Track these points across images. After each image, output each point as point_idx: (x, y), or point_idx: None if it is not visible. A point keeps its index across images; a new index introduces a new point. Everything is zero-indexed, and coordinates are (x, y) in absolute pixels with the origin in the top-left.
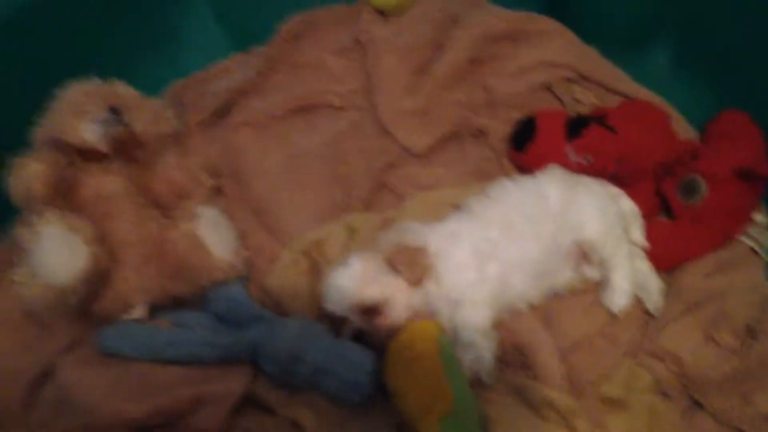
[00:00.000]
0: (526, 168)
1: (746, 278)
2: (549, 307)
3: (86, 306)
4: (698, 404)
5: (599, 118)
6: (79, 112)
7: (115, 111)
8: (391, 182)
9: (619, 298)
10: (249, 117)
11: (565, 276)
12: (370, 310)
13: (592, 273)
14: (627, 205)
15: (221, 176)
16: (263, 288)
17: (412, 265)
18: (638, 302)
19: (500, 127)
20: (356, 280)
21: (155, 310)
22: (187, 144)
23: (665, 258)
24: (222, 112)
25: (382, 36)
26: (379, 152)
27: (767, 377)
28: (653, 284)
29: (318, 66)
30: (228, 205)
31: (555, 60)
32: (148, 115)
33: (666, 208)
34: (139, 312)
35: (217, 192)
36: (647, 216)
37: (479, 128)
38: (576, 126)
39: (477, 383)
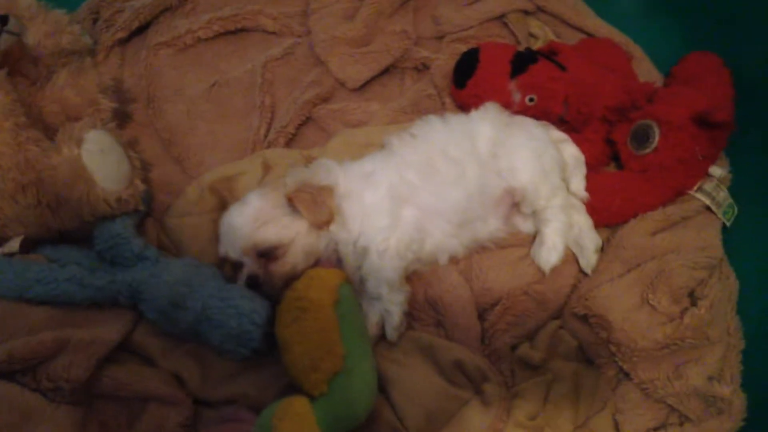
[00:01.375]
0: (465, 107)
1: (696, 238)
2: (472, 260)
3: None
4: (626, 374)
5: (550, 54)
6: None
7: (3, 19)
8: (320, 117)
9: (549, 253)
10: (171, 38)
11: (491, 227)
12: (267, 254)
13: (524, 225)
14: (570, 151)
15: (133, 100)
16: (162, 225)
17: (315, 205)
18: (572, 259)
19: (445, 62)
20: (252, 220)
21: (35, 244)
22: (95, 63)
23: (608, 212)
24: (141, 31)
25: None
26: (310, 84)
27: (702, 348)
28: (590, 240)
29: None
30: (136, 132)
31: None
32: (46, 27)
33: (617, 158)
34: (12, 245)
35: (123, 117)
36: (595, 165)
37: (422, 62)
38: (522, 61)
39: (381, 340)
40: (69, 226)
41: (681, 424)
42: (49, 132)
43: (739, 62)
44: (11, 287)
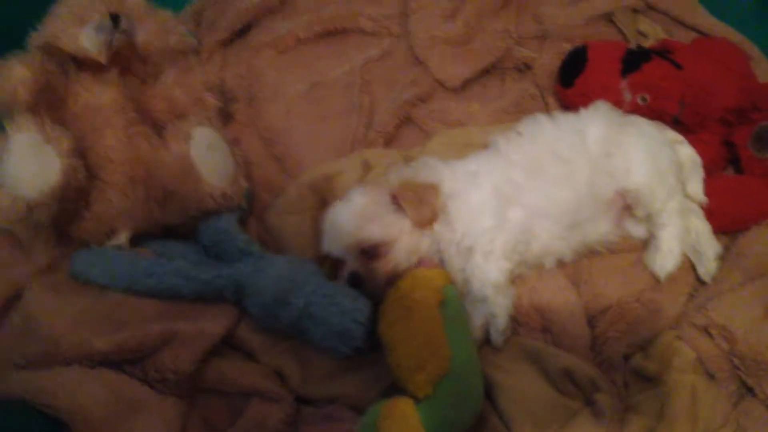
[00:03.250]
0: (572, 106)
1: None
2: (581, 265)
3: (63, 227)
4: (749, 389)
5: (664, 52)
6: (79, 17)
7: (115, 19)
8: (419, 117)
9: (665, 259)
10: (272, 38)
11: (602, 230)
12: (370, 252)
13: (636, 229)
14: (686, 153)
15: (235, 100)
16: (264, 223)
17: (419, 204)
18: (689, 266)
19: (549, 62)
20: (356, 217)
21: (142, 238)
22: (200, 63)
23: (727, 217)
24: (243, 32)
25: None
26: (409, 84)
27: None
28: (709, 247)
29: None
30: (237, 131)
31: None
32: (154, 26)
33: (735, 161)
34: (121, 238)
35: (226, 116)
36: (711, 169)
37: (525, 61)
38: (635, 59)
39: (486, 344)
40: (175, 221)
41: None
42: (157, 128)
43: None
44: (121, 279)
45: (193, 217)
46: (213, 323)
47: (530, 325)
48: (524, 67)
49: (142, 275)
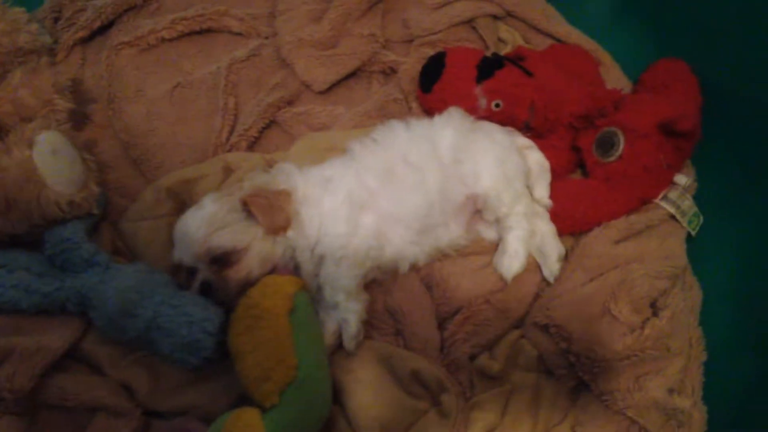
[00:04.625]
0: (432, 112)
1: (659, 247)
2: (433, 268)
3: None
4: (586, 384)
5: (517, 59)
6: None
7: None
8: (284, 120)
9: (511, 261)
10: (133, 37)
11: (453, 234)
12: (221, 260)
13: (487, 232)
14: (535, 158)
15: (93, 101)
16: (118, 229)
17: (271, 210)
18: (536, 267)
19: (413, 66)
20: (206, 224)
21: None
22: (53, 63)
23: (572, 220)
24: (104, 30)
25: None
26: (275, 86)
27: (663, 359)
28: (552, 248)
29: None
30: (95, 134)
31: None
32: (2, 25)
33: (583, 165)
34: None
35: (82, 118)
36: (560, 173)
37: (390, 66)
38: (488, 66)
39: (339, 349)
40: (19, 230)
41: None
42: (2, 133)
43: (708, 69)
44: None
45: (38, 226)
46: (54, 337)
47: (383, 329)
48: (390, 71)
49: None
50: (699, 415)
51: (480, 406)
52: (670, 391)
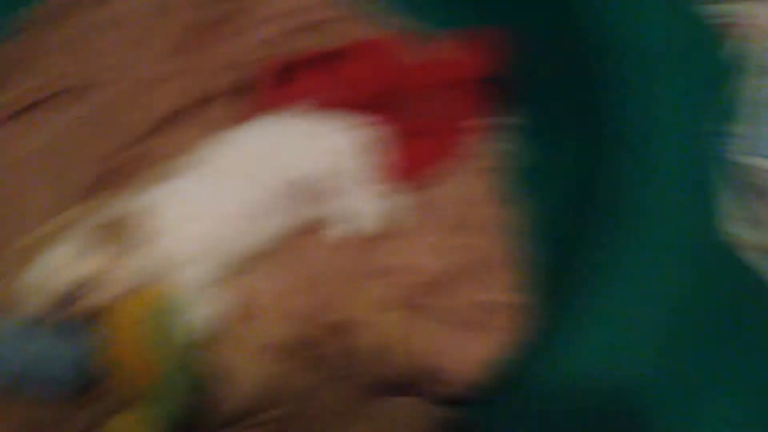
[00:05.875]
0: None
1: (467, 183)
2: (277, 253)
3: None
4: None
5: (311, 60)
6: None
7: None
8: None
9: (337, 230)
10: None
11: (291, 218)
12: (68, 298)
13: (316, 210)
14: (343, 139)
15: None
16: None
17: (117, 232)
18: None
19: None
20: (46, 269)
21: None
22: None
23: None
24: None
25: None
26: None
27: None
28: (370, 207)
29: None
30: None
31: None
32: None
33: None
34: None
35: None
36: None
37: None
38: (287, 73)
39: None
40: None
41: None
42: None
43: None
44: None
45: None
46: None
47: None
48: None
49: None
50: None
51: None
52: None
